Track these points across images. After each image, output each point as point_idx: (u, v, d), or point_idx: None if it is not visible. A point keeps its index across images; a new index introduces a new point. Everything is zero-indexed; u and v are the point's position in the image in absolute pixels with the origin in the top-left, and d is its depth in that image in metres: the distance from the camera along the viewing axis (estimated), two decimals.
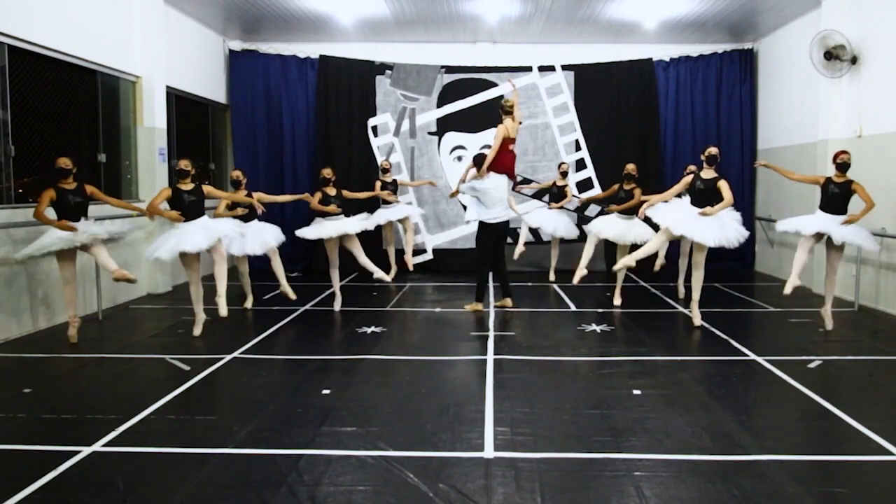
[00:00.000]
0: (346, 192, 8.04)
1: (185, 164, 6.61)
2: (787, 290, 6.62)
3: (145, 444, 3.94)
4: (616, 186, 8.46)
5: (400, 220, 10.26)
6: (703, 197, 6.74)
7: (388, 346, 6.27)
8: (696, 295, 6.91)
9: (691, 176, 6.92)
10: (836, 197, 6.62)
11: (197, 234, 6.37)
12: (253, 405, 4.64)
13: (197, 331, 6.59)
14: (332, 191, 7.73)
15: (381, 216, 9.90)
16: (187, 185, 6.57)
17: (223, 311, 6.54)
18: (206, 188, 6.73)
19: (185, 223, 6.48)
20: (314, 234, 7.59)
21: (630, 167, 8.33)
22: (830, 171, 6.81)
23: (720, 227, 6.61)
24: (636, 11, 9.77)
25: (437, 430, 4.16)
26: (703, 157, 6.98)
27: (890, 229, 7.63)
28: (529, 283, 9.65)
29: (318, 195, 7.67)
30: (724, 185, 6.64)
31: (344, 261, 7.92)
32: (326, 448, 3.88)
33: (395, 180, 10.25)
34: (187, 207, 6.51)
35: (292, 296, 7.98)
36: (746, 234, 6.88)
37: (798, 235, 6.72)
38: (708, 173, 6.81)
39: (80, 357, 5.86)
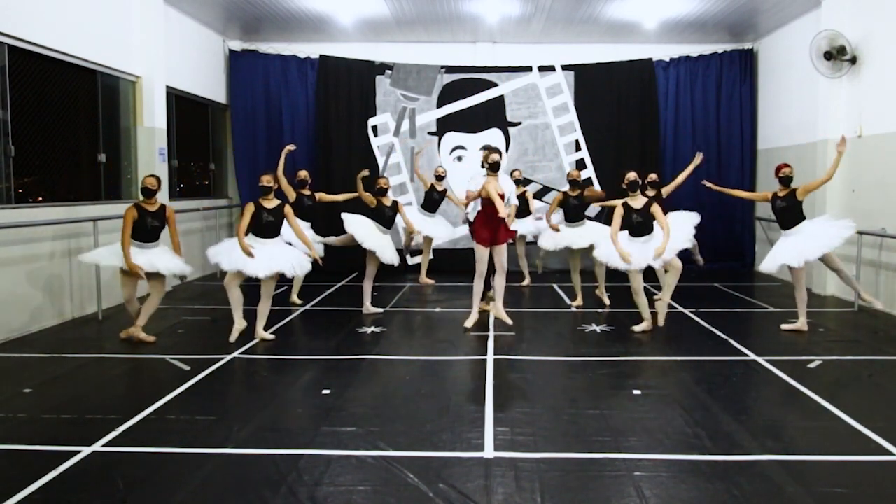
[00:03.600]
0: (400, 207, 7.64)
1: (267, 181, 6.32)
2: (801, 327, 6.75)
3: (145, 444, 3.93)
4: (562, 195, 8.06)
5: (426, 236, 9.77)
6: (643, 228, 6.55)
7: (388, 346, 6.28)
8: (666, 297, 6.86)
9: (621, 209, 6.56)
10: (784, 211, 6.66)
11: (261, 263, 6.12)
12: (253, 405, 4.65)
13: (232, 338, 6.33)
14: (387, 201, 7.52)
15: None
16: (270, 203, 6.33)
17: (266, 336, 6.41)
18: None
19: (260, 241, 6.27)
20: (362, 236, 7.16)
21: (574, 173, 8.15)
22: (823, 170, 6.76)
23: (672, 241, 6.51)
24: (636, 11, 9.77)
25: (437, 430, 4.16)
26: (624, 186, 6.61)
27: (890, 229, 7.63)
28: (530, 284, 9.65)
29: (374, 201, 7.45)
30: (657, 212, 6.49)
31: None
32: (326, 448, 3.88)
33: (445, 190, 9.53)
34: (265, 227, 6.28)
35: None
36: (691, 237, 6.87)
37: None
38: (637, 201, 6.55)
39: (80, 357, 5.86)
